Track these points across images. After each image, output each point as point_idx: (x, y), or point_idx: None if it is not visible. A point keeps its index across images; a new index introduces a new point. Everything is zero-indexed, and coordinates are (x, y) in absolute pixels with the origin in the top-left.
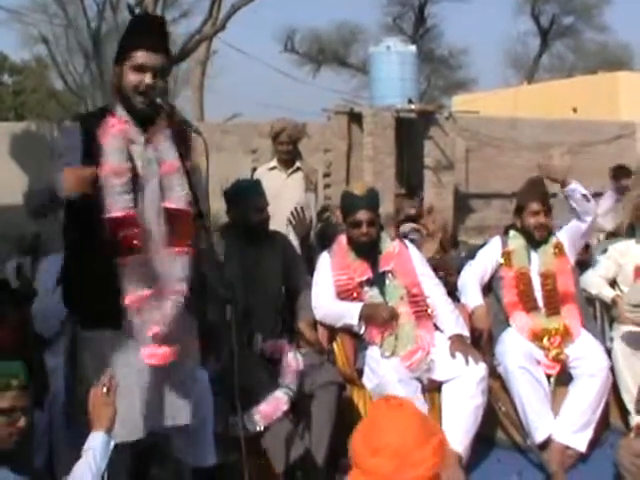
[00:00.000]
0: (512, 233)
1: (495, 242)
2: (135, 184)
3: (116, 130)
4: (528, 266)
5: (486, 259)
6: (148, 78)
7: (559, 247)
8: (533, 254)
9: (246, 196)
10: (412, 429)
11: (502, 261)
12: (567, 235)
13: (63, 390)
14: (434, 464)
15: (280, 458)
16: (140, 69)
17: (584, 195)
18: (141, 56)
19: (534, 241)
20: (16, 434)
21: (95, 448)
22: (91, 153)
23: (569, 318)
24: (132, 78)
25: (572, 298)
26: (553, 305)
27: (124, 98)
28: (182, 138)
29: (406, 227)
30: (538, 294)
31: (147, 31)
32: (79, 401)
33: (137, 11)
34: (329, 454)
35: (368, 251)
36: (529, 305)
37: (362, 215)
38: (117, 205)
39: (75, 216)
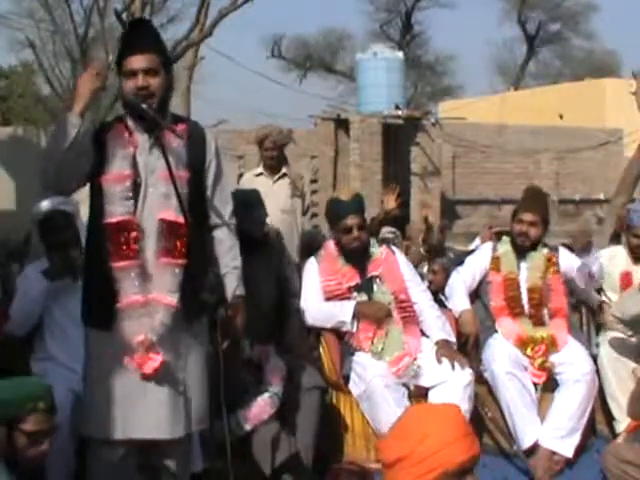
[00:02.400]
0: (504, 238)
1: (486, 248)
2: (137, 191)
3: (123, 136)
4: (517, 272)
5: (475, 264)
6: (139, 80)
7: (552, 263)
8: (522, 263)
9: (250, 210)
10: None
11: (492, 265)
12: (564, 267)
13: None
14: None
15: (266, 461)
16: (131, 74)
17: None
18: (129, 61)
19: (522, 249)
20: (39, 458)
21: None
22: (97, 155)
23: (556, 329)
24: (128, 84)
25: (562, 313)
26: (539, 317)
27: (125, 105)
28: (197, 143)
29: (384, 231)
30: (525, 302)
31: (131, 36)
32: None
33: (124, 17)
34: (315, 458)
35: (358, 256)
36: (516, 311)
37: (352, 220)
38: (117, 210)
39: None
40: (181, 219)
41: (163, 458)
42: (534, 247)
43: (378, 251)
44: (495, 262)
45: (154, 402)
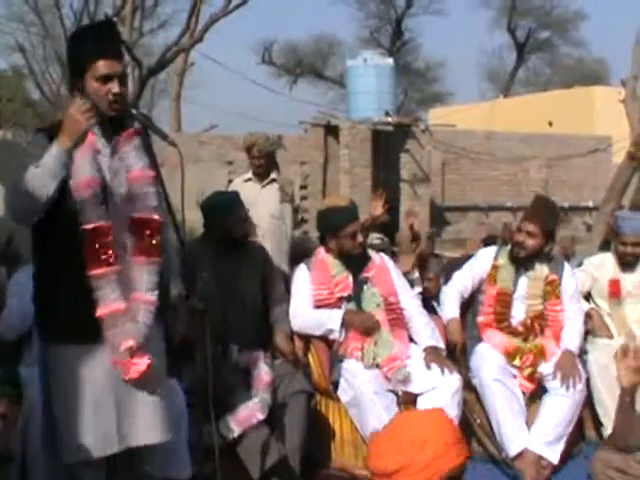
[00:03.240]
0: (506, 248)
1: (486, 254)
2: (104, 195)
3: (82, 141)
4: (511, 287)
5: (473, 271)
6: (116, 87)
7: (553, 286)
8: (521, 279)
9: (228, 210)
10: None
11: (490, 272)
12: (564, 292)
13: (38, 402)
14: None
15: (255, 465)
16: (105, 79)
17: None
18: (104, 66)
19: (519, 261)
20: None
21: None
22: None
23: (546, 340)
24: (98, 88)
25: (556, 328)
26: (531, 334)
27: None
28: (148, 146)
29: (371, 237)
30: (515, 319)
31: (103, 39)
32: (55, 416)
33: (115, 21)
34: (304, 464)
35: (357, 261)
36: (503, 327)
37: (355, 226)
38: (92, 216)
39: (44, 230)
40: (154, 217)
41: (145, 465)
42: (532, 259)
43: (372, 255)
44: (493, 272)
45: (145, 406)
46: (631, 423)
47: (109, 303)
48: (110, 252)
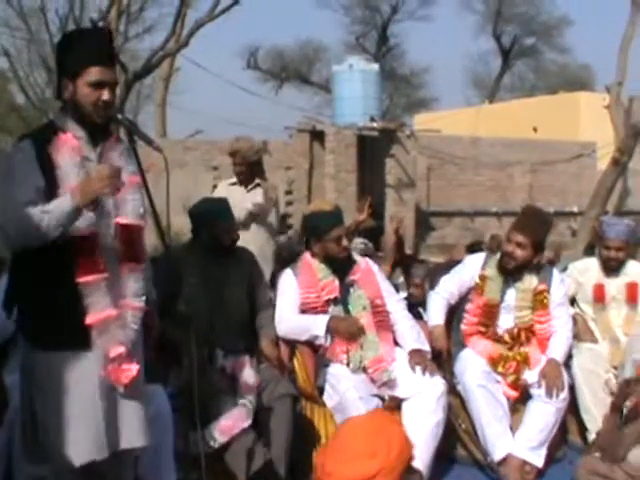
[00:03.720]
0: (494, 257)
1: (474, 261)
2: (92, 202)
3: (71, 147)
4: (498, 298)
5: (461, 279)
6: (106, 94)
7: (542, 296)
8: (509, 290)
9: (215, 216)
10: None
11: (478, 282)
12: (553, 300)
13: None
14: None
15: (241, 471)
16: (97, 85)
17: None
18: (98, 72)
19: (508, 272)
20: None
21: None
22: (46, 171)
23: (531, 348)
24: (89, 94)
25: (545, 341)
26: (517, 343)
27: (79, 113)
28: (134, 151)
29: (356, 242)
30: (501, 328)
31: (100, 46)
32: (37, 424)
33: (100, 26)
34: (290, 469)
35: (342, 265)
36: (489, 336)
37: (341, 230)
38: (81, 224)
39: None
40: (141, 223)
41: (129, 470)
42: (521, 270)
43: (357, 259)
44: (481, 283)
45: (131, 410)
46: (619, 437)
47: (100, 310)
48: (100, 259)
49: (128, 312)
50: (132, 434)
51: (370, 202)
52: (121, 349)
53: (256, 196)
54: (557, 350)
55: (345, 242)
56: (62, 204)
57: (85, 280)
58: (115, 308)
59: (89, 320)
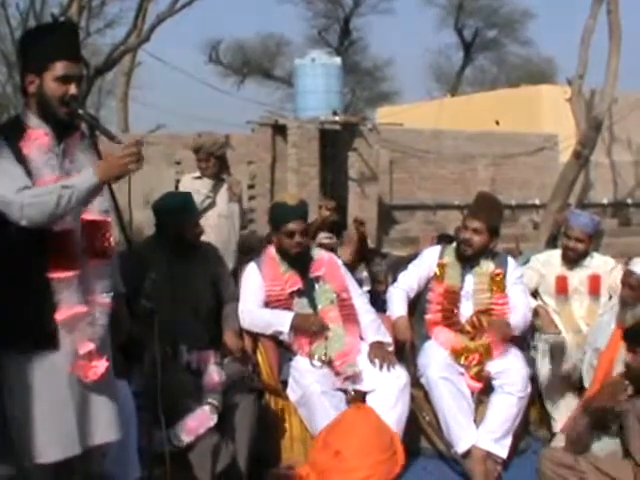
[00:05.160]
0: (450, 246)
1: (430, 253)
2: None
3: (41, 143)
4: (459, 284)
5: (418, 271)
6: (73, 89)
7: (499, 282)
8: (468, 276)
9: (180, 212)
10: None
11: (436, 271)
12: (508, 282)
13: None
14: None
15: (206, 470)
16: (64, 80)
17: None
18: (64, 66)
19: (465, 259)
20: None
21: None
22: (19, 165)
23: (493, 338)
24: (56, 89)
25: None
26: (478, 333)
27: (44, 108)
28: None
29: (321, 236)
30: (463, 317)
31: (66, 40)
32: (10, 424)
33: (64, 20)
34: (254, 463)
35: (300, 260)
36: (451, 323)
37: (295, 225)
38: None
39: None
40: (107, 219)
41: (94, 465)
42: (477, 256)
43: (319, 254)
44: (440, 270)
45: (101, 405)
46: (585, 437)
47: (71, 306)
48: (73, 255)
49: (97, 309)
50: (104, 429)
51: (335, 199)
52: (91, 346)
53: (220, 193)
54: (514, 320)
55: (299, 238)
56: (86, 179)
57: (58, 276)
58: (87, 306)
59: (59, 316)
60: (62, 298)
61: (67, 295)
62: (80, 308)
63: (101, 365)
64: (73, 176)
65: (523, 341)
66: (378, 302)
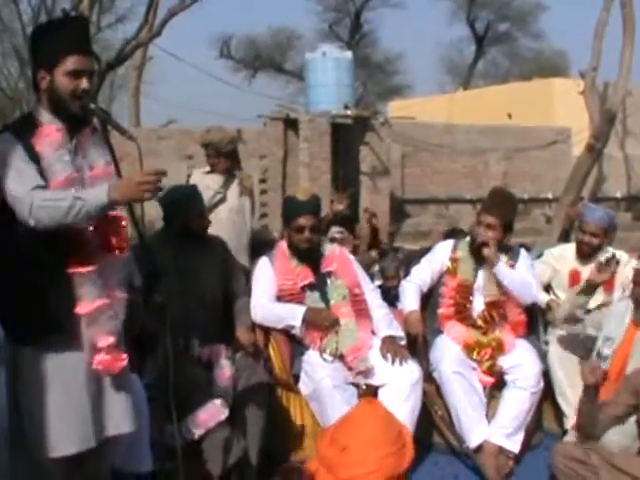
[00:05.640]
0: (465, 241)
1: (444, 247)
2: None
3: (53, 140)
4: (472, 279)
5: (431, 265)
6: (84, 83)
7: None
8: (480, 271)
9: (186, 203)
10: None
11: (449, 265)
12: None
13: (2, 401)
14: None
15: (217, 463)
16: (75, 74)
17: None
18: (76, 61)
19: (478, 254)
20: None
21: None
22: (32, 163)
23: (505, 333)
24: (68, 84)
25: (516, 322)
26: (490, 328)
27: (56, 104)
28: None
29: (332, 231)
30: (475, 311)
31: (77, 35)
32: (24, 419)
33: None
34: (264, 458)
35: (310, 256)
36: (464, 321)
37: (305, 220)
38: None
39: (12, 230)
40: (121, 213)
41: (106, 457)
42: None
43: (330, 249)
44: (453, 265)
45: (117, 396)
46: (595, 414)
47: (92, 300)
48: (92, 249)
49: (115, 302)
50: (119, 420)
51: (349, 193)
52: (110, 339)
53: (231, 187)
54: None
55: (308, 234)
56: (99, 195)
57: (79, 271)
58: (108, 299)
59: (81, 310)
60: (83, 292)
61: (88, 289)
62: (103, 301)
63: (122, 358)
64: (86, 172)
65: (536, 336)
66: (389, 297)
